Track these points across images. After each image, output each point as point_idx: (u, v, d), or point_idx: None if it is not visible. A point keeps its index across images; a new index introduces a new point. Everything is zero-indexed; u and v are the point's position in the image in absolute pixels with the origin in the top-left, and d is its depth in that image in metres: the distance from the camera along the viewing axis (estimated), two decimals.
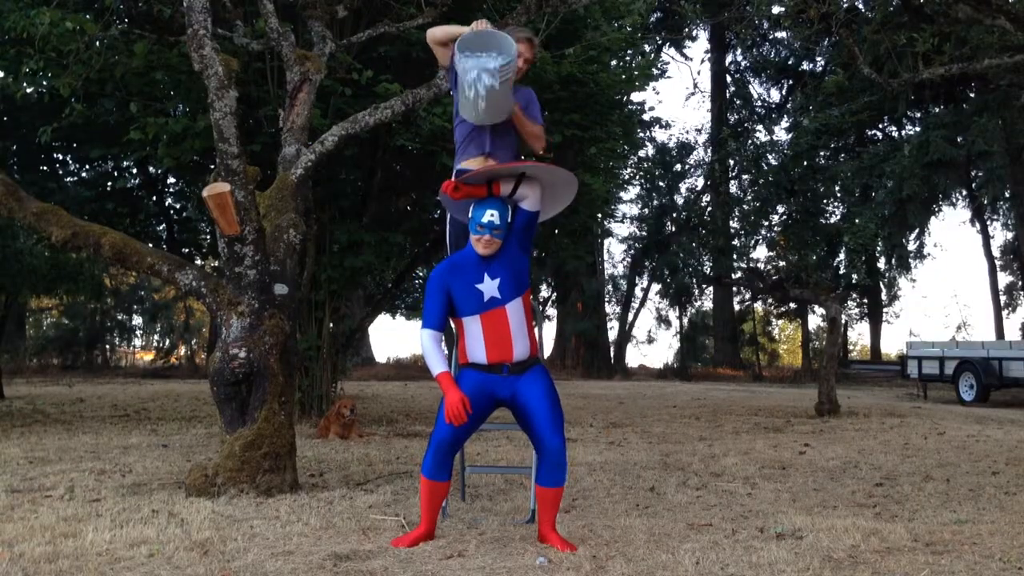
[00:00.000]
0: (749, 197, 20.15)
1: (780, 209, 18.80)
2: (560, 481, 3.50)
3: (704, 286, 24.37)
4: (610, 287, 26.17)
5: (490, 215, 3.49)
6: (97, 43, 6.85)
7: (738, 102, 25.53)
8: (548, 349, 23.99)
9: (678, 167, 23.16)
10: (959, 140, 17.06)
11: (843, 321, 17.81)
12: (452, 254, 3.78)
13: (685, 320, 26.09)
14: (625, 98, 11.64)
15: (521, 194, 3.61)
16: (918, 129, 19.03)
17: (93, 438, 7.31)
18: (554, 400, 3.52)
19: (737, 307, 25.96)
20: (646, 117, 15.37)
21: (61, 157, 9.96)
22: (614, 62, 10.34)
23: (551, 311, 26.46)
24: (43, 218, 4.89)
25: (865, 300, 24.57)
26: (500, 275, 3.56)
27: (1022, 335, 23.75)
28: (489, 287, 3.54)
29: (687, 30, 21.66)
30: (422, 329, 3.53)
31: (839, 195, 18.76)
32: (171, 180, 10.66)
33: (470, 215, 3.59)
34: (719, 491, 4.85)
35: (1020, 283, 26.11)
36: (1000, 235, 24.77)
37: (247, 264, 4.59)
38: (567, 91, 8.37)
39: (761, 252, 22.71)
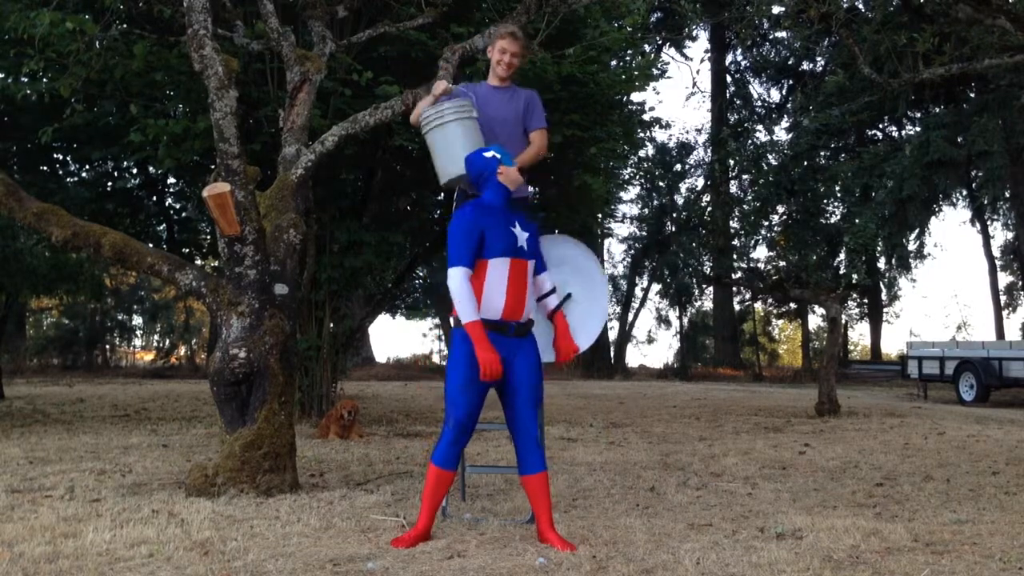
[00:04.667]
0: (749, 197, 20.14)
1: (780, 209, 18.79)
2: (541, 465, 3.48)
3: (704, 286, 24.36)
4: (610, 287, 26.18)
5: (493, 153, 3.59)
6: (97, 44, 6.84)
7: (738, 102, 25.53)
8: None
9: (678, 167, 23.15)
10: (959, 140, 17.05)
11: (843, 321, 17.80)
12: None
13: (685, 320, 26.10)
14: (625, 98, 11.62)
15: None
16: (918, 129, 19.02)
17: (93, 438, 7.31)
18: (540, 378, 3.54)
19: (737, 307, 25.97)
20: (646, 117, 15.34)
21: (61, 157, 9.94)
22: (614, 62, 10.32)
23: None
24: (43, 218, 4.90)
25: (865, 300, 24.56)
26: (529, 230, 3.55)
27: (1022, 335, 23.75)
28: (521, 235, 3.49)
29: (687, 30, 21.63)
30: (453, 268, 3.35)
31: (839, 195, 18.75)
32: (171, 180, 10.65)
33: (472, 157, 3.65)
34: (719, 491, 4.85)
35: (1020, 283, 26.10)
36: (1000, 235, 24.80)
37: (247, 264, 4.59)
38: (567, 91, 8.36)
39: (761, 252, 22.70)
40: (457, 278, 3.34)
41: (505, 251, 3.41)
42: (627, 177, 19.78)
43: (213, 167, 4.79)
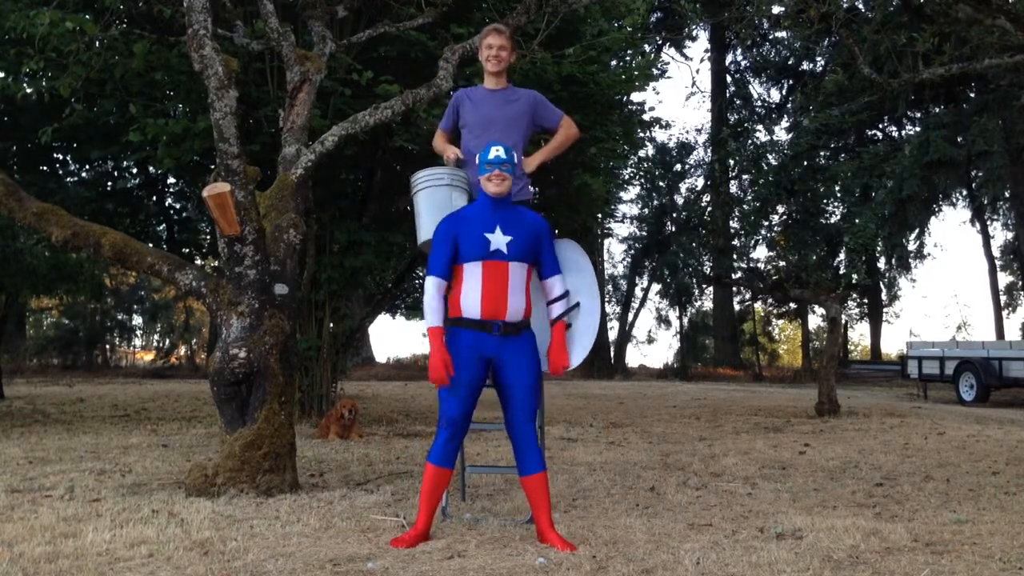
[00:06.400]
0: (749, 197, 20.15)
1: (780, 209, 18.79)
2: (540, 466, 3.51)
3: (704, 286, 24.37)
4: (610, 287, 26.19)
5: (495, 151, 3.55)
6: (97, 43, 6.84)
7: (738, 102, 25.53)
8: None
9: (678, 167, 23.18)
10: (959, 140, 17.05)
11: (843, 321, 17.80)
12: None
13: (685, 320, 26.11)
14: (625, 98, 11.62)
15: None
16: (918, 129, 19.02)
17: (93, 438, 7.31)
18: (537, 377, 3.55)
19: (737, 307, 25.97)
20: (646, 117, 15.37)
21: (61, 157, 9.93)
22: (614, 62, 10.32)
23: None
24: (43, 218, 4.90)
25: (865, 300, 24.56)
26: (514, 234, 3.56)
27: (1022, 335, 23.75)
28: (498, 239, 3.54)
29: (687, 30, 21.65)
30: (428, 276, 3.55)
31: (839, 195, 18.75)
32: (171, 180, 10.65)
33: (476, 160, 3.67)
34: (719, 491, 4.85)
35: (1020, 283, 26.11)
36: (1000, 235, 24.82)
37: (247, 264, 4.59)
38: (567, 91, 8.37)
39: (761, 252, 22.71)
40: (428, 288, 3.53)
41: (476, 256, 3.51)
42: (627, 177, 19.80)
43: (213, 167, 4.78)
